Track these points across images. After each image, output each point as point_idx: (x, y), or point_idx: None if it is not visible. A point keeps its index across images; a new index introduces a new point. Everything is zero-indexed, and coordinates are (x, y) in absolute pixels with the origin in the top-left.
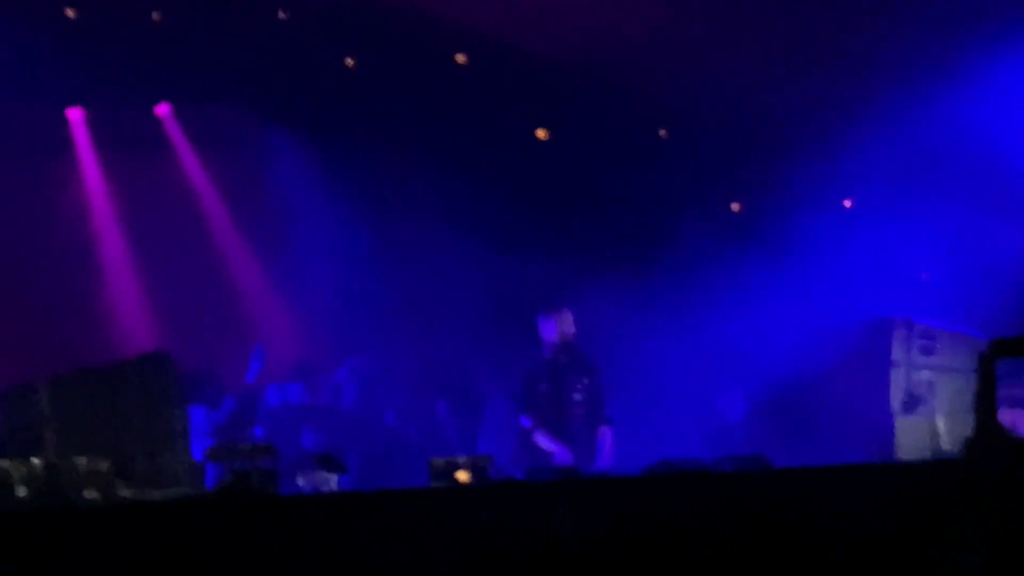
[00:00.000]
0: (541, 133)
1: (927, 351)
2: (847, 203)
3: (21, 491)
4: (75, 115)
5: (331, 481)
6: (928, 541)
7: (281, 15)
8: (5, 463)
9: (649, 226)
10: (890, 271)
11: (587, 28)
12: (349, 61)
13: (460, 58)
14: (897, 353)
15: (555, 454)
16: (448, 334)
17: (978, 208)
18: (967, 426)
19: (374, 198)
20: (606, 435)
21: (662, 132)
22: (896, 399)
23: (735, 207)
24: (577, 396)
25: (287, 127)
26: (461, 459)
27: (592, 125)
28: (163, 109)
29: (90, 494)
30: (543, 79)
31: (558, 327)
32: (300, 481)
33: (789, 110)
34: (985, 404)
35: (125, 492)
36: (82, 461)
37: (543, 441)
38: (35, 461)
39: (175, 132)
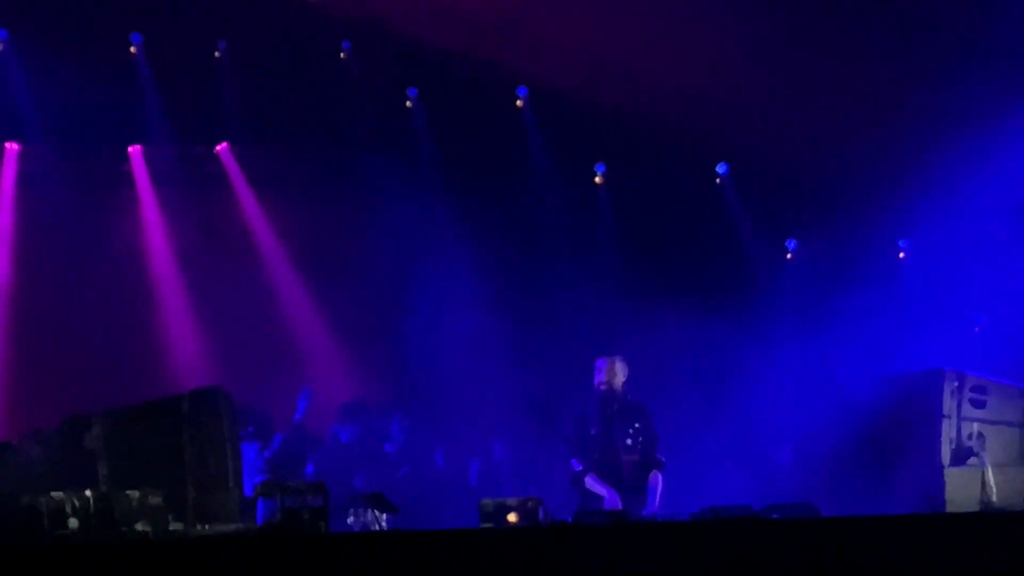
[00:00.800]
0: (598, 179)
1: (978, 404)
2: (901, 254)
3: (73, 522)
4: (135, 152)
5: (381, 520)
6: None
7: (343, 55)
8: (59, 494)
9: (709, 265)
10: (944, 321)
11: (645, 71)
12: (408, 104)
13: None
14: (948, 405)
15: (606, 498)
16: (501, 374)
17: None
18: (1020, 479)
19: (427, 239)
20: (656, 480)
21: (719, 173)
22: (946, 451)
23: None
24: (628, 441)
25: (342, 169)
26: (511, 501)
27: (649, 166)
28: (223, 147)
29: (142, 527)
30: (603, 121)
31: (611, 373)
32: (350, 520)
33: (848, 153)
34: None
35: (176, 526)
36: (135, 494)
37: (594, 484)
38: (88, 493)
39: (233, 170)
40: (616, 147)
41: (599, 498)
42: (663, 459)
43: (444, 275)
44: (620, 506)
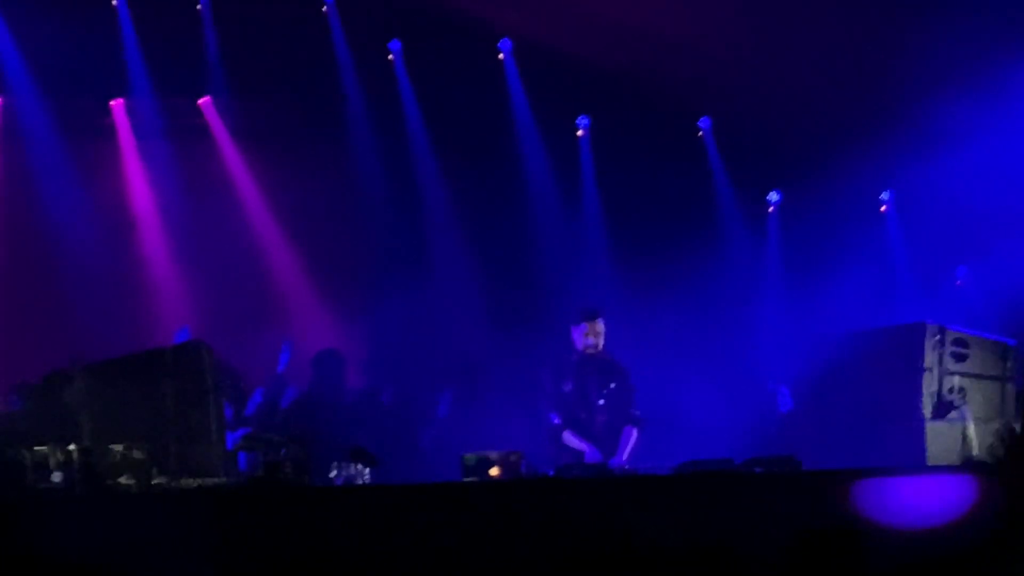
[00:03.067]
0: (580, 132)
1: (959, 358)
2: (883, 207)
3: (56, 476)
4: (118, 105)
5: (363, 474)
6: (962, 546)
7: (324, 8)
8: (42, 448)
9: (688, 220)
10: (925, 274)
11: (629, 23)
12: (390, 57)
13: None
14: (929, 358)
15: (585, 453)
16: (480, 328)
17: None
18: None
19: (410, 192)
20: (630, 433)
21: (700, 127)
22: (927, 404)
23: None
24: (601, 401)
25: (324, 121)
26: (493, 455)
27: (632, 119)
28: (205, 101)
29: (125, 481)
30: (586, 74)
31: (588, 333)
32: (332, 473)
33: (831, 106)
34: None
35: (159, 480)
36: (117, 448)
37: (571, 439)
38: (71, 447)
39: (216, 124)
40: (599, 100)
41: (577, 453)
42: (640, 415)
43: (427, 228)
44: (600, 459)
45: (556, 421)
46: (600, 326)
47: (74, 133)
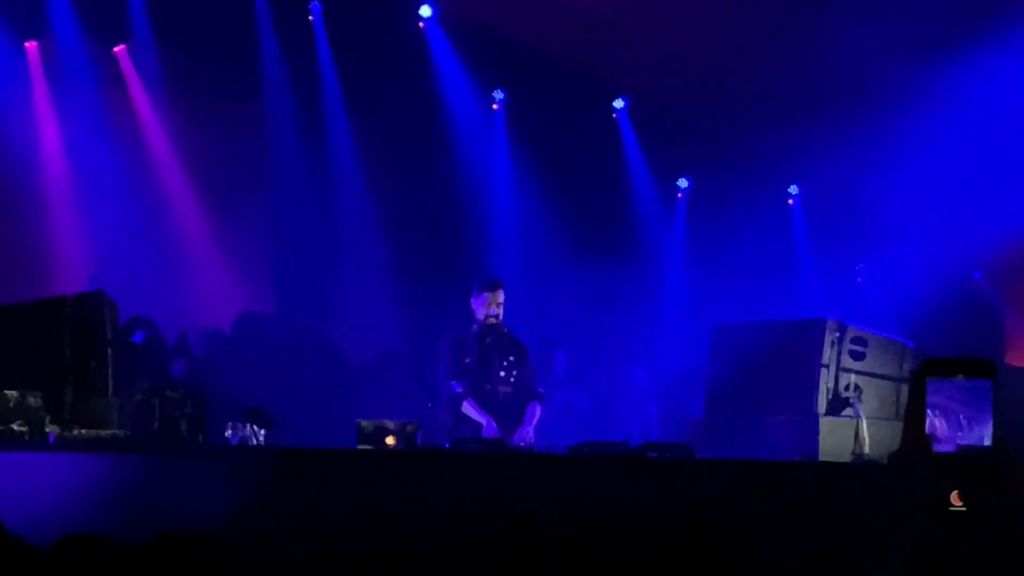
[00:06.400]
0: (495, 105)
1: (857, 356)
2: (790, 200)
3: None
4: (32, 48)
5: (259, 435)
6: (844, 544)
7: None
8: None
9: (601, 198)
10: (827, 268)
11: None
12: (310, 18)
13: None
14: (827, 354)
15: (484, 425)
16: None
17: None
18: (892, 433)
19: (324, 154)
20: (534, 409)
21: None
22: (822, 400)
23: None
24: (502, 373)
25: (242, 79)
26: (390, 423)
27: (548, 96)
28: (120, 49)
29: (18, 427)
30: (504, 48)
31: (490, 303)
32: (228, 432)
33: (743, 95)
34: (914, 419)
35: (53, 428)
36: (13, 394)
37: (470, 410)
38: None
39: (130, 73)
40: (516, 75)
41: (474, 424)
42: (543, 391)
43: (338, 193)
44: (498, 434)
45: (458, 389)
46: (501, 297)
47: None
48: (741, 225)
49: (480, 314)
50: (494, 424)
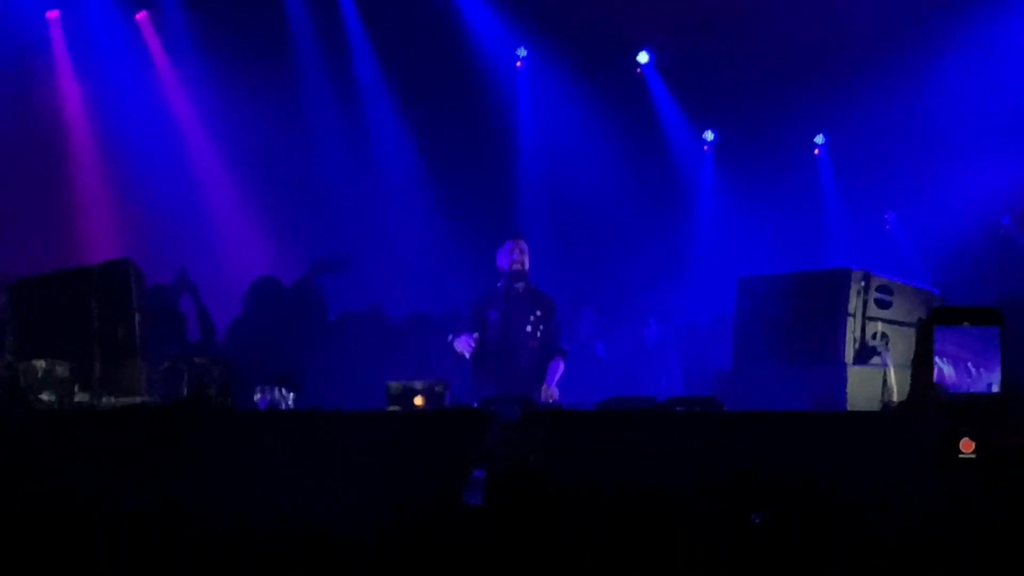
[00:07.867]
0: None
1: (883, 304)
2: (816, 150)
3: None
4: (53, 17)
5: (287, 399)
6: (870, 491)
7: None
8: None
9: (630, 151)
10: (855, 218)
11: None
12: None
13: None
14: (853, 303)
15: (465, 354)
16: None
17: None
18: None
19: (345, 125)
20: (557, 364)
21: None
22: (849, 350)
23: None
24: (528, 328)
25: (269, 46)
26: (418, 384)
27: (570, 52)
28: (143, 16)
29: (47, 397)
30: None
31: (514, 250)
32: (256, 397)
33: (768, 46)
34: (922, 366)
35: (82, 397)
36: (41, 364)
37: (454, 340)
38: None
39: (153, 40)
40: (539, 33)
41: (496, 380)
42: (567, 348)
43: (373, 153)
44: (471, 346)
45: (451, 337)
46: (524, 245)
47: (8, 44)
48: (768, 177)
49: (505, 263)
50: (469, 340)
